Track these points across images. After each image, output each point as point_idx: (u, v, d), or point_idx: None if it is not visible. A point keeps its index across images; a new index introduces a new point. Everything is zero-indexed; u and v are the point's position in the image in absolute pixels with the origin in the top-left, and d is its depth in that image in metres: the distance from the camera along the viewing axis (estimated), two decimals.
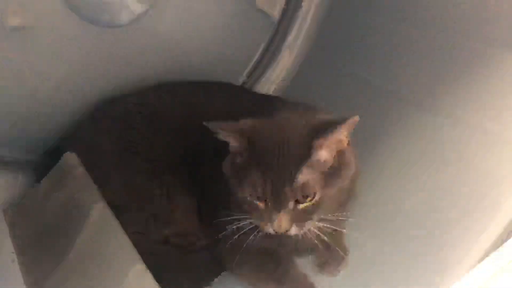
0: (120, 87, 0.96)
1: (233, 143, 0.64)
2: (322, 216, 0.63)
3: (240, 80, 1.12)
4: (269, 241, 0.73)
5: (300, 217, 0.61)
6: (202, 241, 0.84)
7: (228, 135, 0.63)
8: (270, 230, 0.62)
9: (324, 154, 0.62)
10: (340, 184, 0.63)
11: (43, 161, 0.92)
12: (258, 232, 0.65)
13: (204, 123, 0.62)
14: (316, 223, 0.63)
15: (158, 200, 0.81)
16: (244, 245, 0.72)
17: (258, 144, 0.61)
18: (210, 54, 1.05)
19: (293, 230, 0.61)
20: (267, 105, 0.86)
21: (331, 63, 1.05)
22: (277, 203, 0.60)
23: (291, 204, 0.60)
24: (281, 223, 0.60)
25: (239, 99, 0.92)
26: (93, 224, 0.65)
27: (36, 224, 0.78)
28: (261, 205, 0.62)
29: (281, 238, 0.71)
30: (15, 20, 0.80)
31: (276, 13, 1.07)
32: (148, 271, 0.56)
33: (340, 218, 0.65)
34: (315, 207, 0.61)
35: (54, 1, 0.82)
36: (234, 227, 0.65)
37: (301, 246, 0.73)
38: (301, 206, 0.61)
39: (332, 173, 0.63)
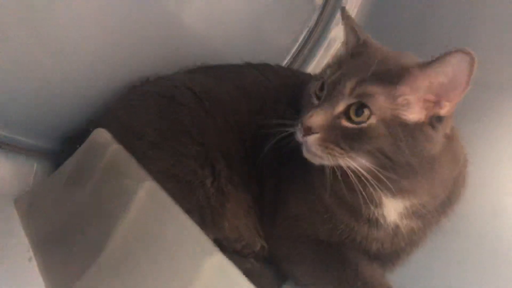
0: (155, 68, 0.83)
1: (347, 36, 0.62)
2: (367, 164, 0.52)
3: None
4: (330, 233, 0.63)
5: (334, 136, 0.52)
6: (259, 245, 0.69)
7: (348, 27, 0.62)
8: (298, 135, 0.54)
9: (412, 95, 0.51)
10: (404, 152, 0.51)
11: (63, 150, 0.78)
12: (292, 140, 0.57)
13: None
14: (363, 161, 0.52)
15: (209, 191, 0.66)
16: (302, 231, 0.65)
17: (355, 50, 0.58)
18: (254, 37, 0.98)
19: (314, 142, 0.52)
20: None
21: None
22: (328, 98, 0.54)
23: (339, 106, 0.52)
24: (312, 116, 0.53)
25: (292, 78, 0.79)
26: (142, 208, 0.50)
27: (57, 215, 0.62)
28: (314, 102, 0.57)
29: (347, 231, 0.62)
30: None
31: None
32: (229, 261, 0.40)
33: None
34: (360, 136, 0.51)
35: None
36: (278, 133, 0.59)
37: (369, 241, 0.61)
38: (346, 124, 0.52)
39: (407, 129, 0.51)
